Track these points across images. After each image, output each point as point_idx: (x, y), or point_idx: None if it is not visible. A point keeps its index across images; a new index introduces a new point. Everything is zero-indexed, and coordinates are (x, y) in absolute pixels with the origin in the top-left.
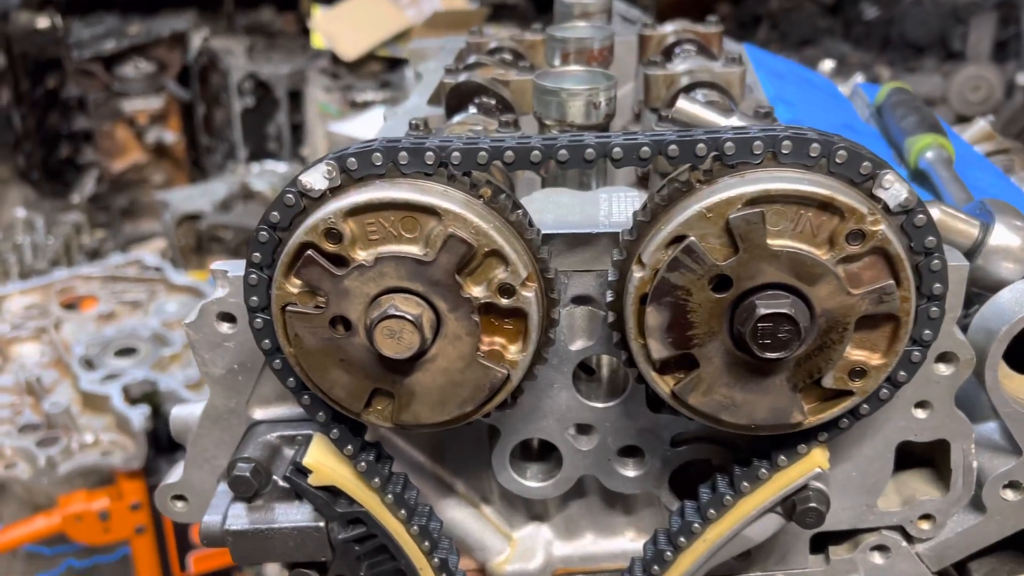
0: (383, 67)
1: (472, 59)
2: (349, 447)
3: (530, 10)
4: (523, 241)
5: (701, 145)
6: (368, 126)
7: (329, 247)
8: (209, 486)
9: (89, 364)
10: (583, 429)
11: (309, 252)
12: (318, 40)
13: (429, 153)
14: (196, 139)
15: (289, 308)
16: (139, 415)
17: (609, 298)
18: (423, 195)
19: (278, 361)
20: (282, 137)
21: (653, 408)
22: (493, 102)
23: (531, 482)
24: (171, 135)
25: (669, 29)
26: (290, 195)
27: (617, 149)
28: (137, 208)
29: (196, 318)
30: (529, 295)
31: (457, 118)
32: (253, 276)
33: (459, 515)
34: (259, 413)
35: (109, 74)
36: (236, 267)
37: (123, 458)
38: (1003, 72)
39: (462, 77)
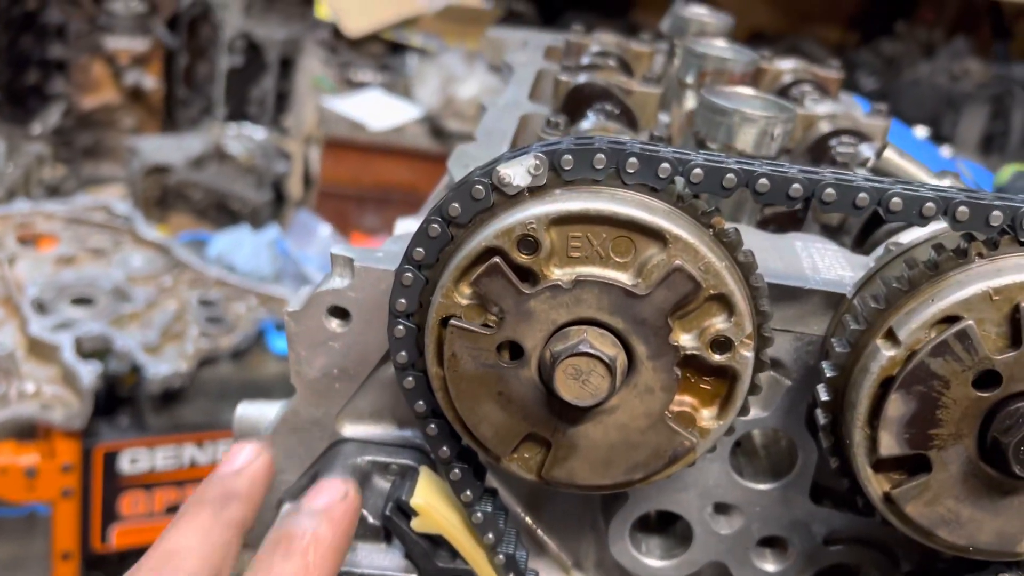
0: (385, 50)
1: (586, 60)
2: (469, 492)
3: (536, 20)
4: (748, 287)
5: (997, 213)
6: (363, 106)
7: (520, 257)
8: (267, 504)
9: (41, 308)
10: (723, 508)
11: (496, 259)
12: (323, 10)
13: (665, 165)
14: (172, 89)
15: (453, 322)
16: (90, 372)
17: (830, 373)
18: (651, 214)
19: (411, 379)
20: (266, 103)
21: (815, 498)
22: (618, 111)
23: (648, 559)
24: (151, 80)
25: (787, 66)
26: (480, 187)
27: (897, 200)
28: (101, 149)
29: (302, 307)
30: (748, 355)
31: (587, 124)
32: (408, 275)
33: None
34: (349, 430)
35: (96, 6)
36: (362, 255)
37: (64, 415)
38: (987, 163)
39: (582, 78)
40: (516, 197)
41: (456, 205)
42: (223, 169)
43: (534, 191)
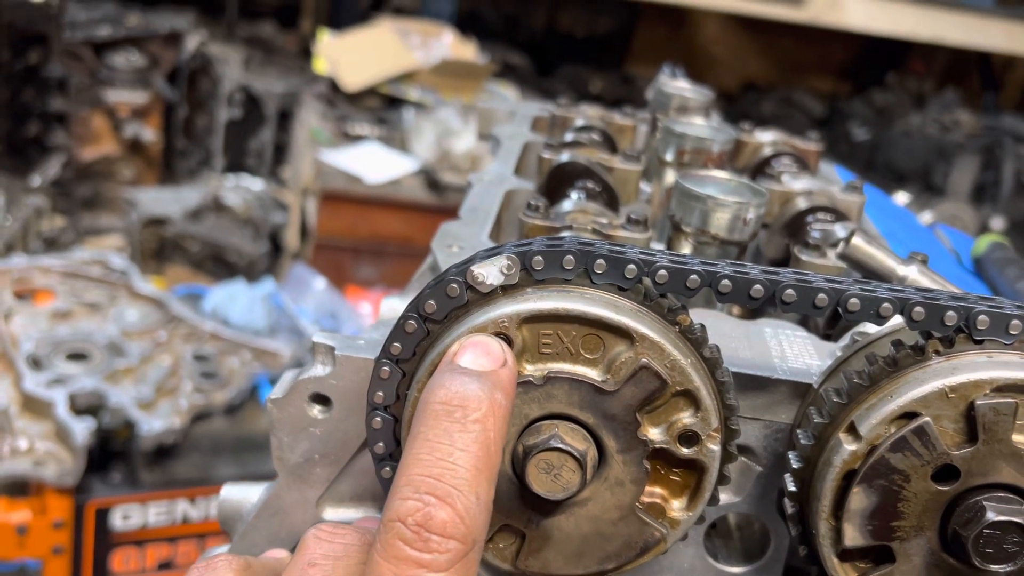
0: (382, 103)
1: (570, 136)
2: None
3: (531, 73)
4: (714, 382)
5: (951, 313)
6: (360, 159)
7: None
8: None
9: (36, 363)
10: None
11: None
12: (321, 65)
13: (632, 266)
14: (172, 140)
15: None
16: (83, 428)
17: (795, 464)
18: (618, 314)
19: (388, 469)
20: (264, 155)
21: None
22: (599, 188)
23: None
24: (150, 133)
25: (767, 139)
26: (454, 286)
27: (855, 300)
28: (100, 201)
29: (284, 395)
30: (715, 448)
31: (568, 204)
32: (386, 368)
33: None
34: (330, 513)
35: (98, 60)
36: (344, 344)
37: (57, 472)
38: (979, 214)
39: (565, 156)
40: (490, 295)
41: (432, 302)
42: (220, 221)
43: (507, 289)
